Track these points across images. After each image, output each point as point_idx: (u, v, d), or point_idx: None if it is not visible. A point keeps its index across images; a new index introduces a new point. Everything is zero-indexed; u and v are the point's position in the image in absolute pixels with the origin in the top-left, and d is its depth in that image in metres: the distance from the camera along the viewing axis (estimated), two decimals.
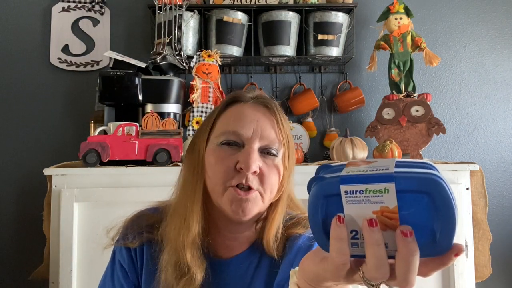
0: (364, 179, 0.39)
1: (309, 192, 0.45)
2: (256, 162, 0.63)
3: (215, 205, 0.67)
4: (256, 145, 0.64)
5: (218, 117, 0.69)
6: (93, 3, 1.78)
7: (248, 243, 0.71)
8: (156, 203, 0.77)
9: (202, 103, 1.54)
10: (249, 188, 0.63)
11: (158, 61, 1.49)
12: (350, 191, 0.40)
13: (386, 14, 1.66)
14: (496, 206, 1.79)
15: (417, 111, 1.58)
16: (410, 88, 1.64)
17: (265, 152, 0.65)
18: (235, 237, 0.71)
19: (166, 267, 0.66)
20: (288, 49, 1.66)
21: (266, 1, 1.67)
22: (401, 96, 1.61)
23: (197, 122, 1.53)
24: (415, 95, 1.62)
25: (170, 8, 1.56)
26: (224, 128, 0.66)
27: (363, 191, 0.39)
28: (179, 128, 1.38)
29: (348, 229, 0.41)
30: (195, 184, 0.67)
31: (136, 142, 1.31)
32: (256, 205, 0.64)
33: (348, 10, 1.70)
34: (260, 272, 0.69)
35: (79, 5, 1.79)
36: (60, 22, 1.78)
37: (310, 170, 1.32)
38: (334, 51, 1.68)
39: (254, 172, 0.63)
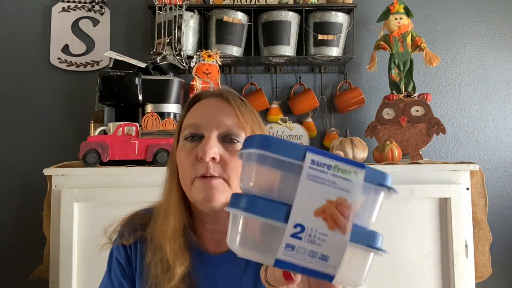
0: (334, 156, 0.35)
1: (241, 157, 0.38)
2: (213, 149, 0.64)
3: (190, 200, 0.70)
4: (214, 134, 0.66)
5: (184, 117, 0.72)
6: (93, 3, 1.78)
7: None
8: (151, 203, 0.80)
9: None
10: (212, 177, 0.65)
11: (158, 61, 1.49)
12: (317, 162, 0.34)
13: (386, 14, 1.66)
14: (496, 206, 1.79)
15: (417, 111, 1.58)
16: (410, 88, 1.64)
17: (226, 140, 0.67)
18: (219, 229, 0.72)
19: (150, 263, 0.68)
20: (288, 49, 1.66)
21: (266, 1, 1.67)
22: (401, 96, 1.61)
23: None
24: (415, 95, 1.62)
25: (170, 8, 1.56)
26: (186, 124, 0.70)
27: (331, 167, 0.34)
28: None
29: (292, 222, 0.34)
30: (170, 181, 0.72)
31: (136, 142, 1.31)
32: (222, 191, 0.65)
33: (348, 10, 1.70)
34: (250, 268, 0.70)
35: (79, 5, 1.79)
36: (60, 22, 1.78)
37: None
38: (334, 51, 1.68)
39: (214, 159, 0.64)
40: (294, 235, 0.33)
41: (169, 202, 0.70)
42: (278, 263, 0.34)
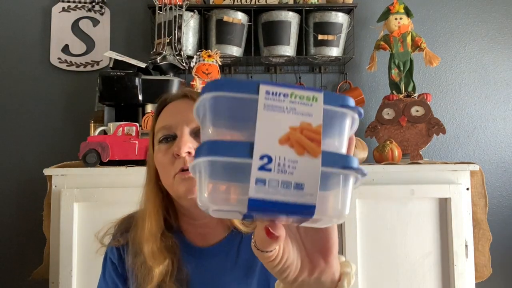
0: (288, 85, 0.33)
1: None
2: (187, 144, 0.66)
3: (175, 198, 0.72)
4: (186, 130, 0.68)
5: (155, 123, 0.75)
6: (93, 3, 1.78)
7: (225, 230, 0.74)
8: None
9: None
10: None
11: (158, 61, 1.49)
12: (272, 92, 0.32)
13: (386, 14, 1.66)
14: (496, 206, 1.79)
15: (417, 111, 1.58)
16: (410, 88, 1.64)
17: (198, 134, 0.70)
18: (205, 224, 0.73)
19: (133, 267, 0.71)
20: (288, 49, 1.66)
21: (266, 1, 1.67)
22: (401, 96, 1.61)
23: None
24: (415, 95, 1.62)
25: (170, 8, 1.56)
26: (158, 128, 0.72)
27: (287, 95, 0.32)
28: None
29: (257, 154, 0.31)
30: (147, 186, 0.75)
31: (136, 142, 1.31)
32: None
33: (348, 10, 1.70)
34: (240, 258, 0.72)
35: (79, 5, 1.79)
36: (60, 22, 1.78)
37: None
38: (334, 51, 1.68)
39: (189, 153, 0.67)
40: (262, 168, 0.31)
41: (145, 207, 0.73)
42: (252, 204, 0.31)
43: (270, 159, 0.31)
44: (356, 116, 0.35)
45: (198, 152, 0.32)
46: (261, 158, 0.31)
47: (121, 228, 0.78)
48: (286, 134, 0.32)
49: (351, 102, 0.35)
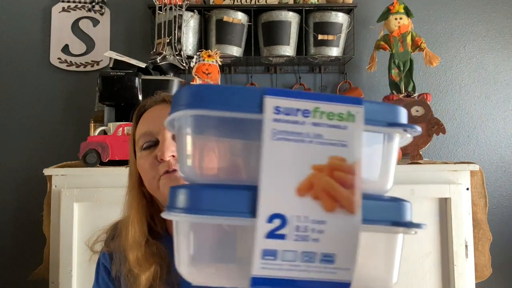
0: (310, 95, 0.21)
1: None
2: (170, 148, 0.66)
3: (160, 202, 0.72)
4: (168, 135, 0.68)
5: (135, 130, 0.75)
6: (93, 3, 1.78)
7: None
8: None
9: None
10: (176, 170, 0.67)
11: (158, 61, 1.49)
12: (286, 109, 0.20)
13: (386, 14, 1.66)
14: (496, 206, 1.79)
15: (417, 111, 1.58)
16: (410, 88, 1.64)
17: None
18: None
19: (120, 276, 0.71)
20: (288, 49, 1.66)
21: (266, 1, 1.67)
22: (401, 96, 1.61)
23: None
24: (415, 95, 1.62)
25: (170, 8, 1.56)
26: (139, 135, 0.73)
27: (309, 112, 0.21)
28: None
29: (264, 213, 0.20)
30: (129, 193, 0.75)
31: None
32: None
33: (348, 10, 1.70)
34: None
35: (79, 5, 1.79)
36: (60, 22, 1.78)
37: None
38: (334, 51, 1.68)
39: (173, 156, 0.67)
40: (272, 234, 0.21)
41: (128, 214, 0.73)
42: (258, 282, 0.21)
43: (284, 220, 0.21)
44: (408, 135, 0.24)
45: (174, 201, 0.22)
46: (270, 219, 0.21)
47: (112, 234, 0.78)
48: (307, 179, 0.21)
49: (403, 115, 0.24)
